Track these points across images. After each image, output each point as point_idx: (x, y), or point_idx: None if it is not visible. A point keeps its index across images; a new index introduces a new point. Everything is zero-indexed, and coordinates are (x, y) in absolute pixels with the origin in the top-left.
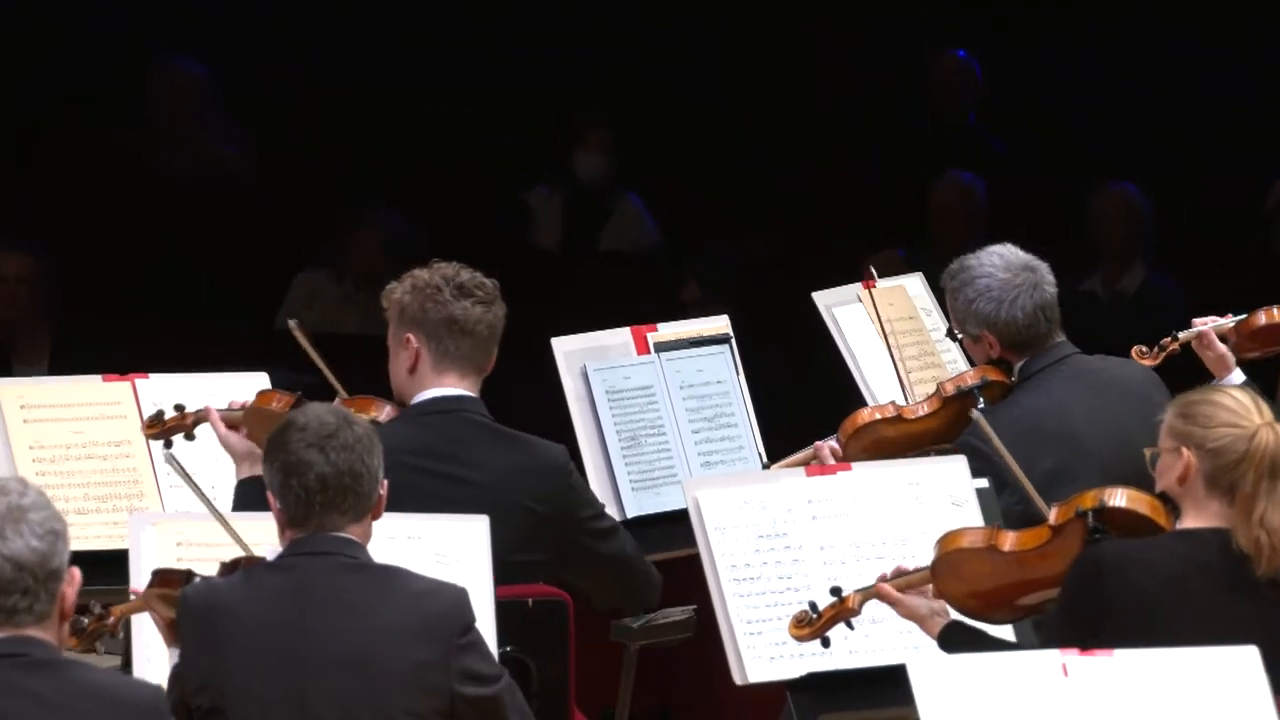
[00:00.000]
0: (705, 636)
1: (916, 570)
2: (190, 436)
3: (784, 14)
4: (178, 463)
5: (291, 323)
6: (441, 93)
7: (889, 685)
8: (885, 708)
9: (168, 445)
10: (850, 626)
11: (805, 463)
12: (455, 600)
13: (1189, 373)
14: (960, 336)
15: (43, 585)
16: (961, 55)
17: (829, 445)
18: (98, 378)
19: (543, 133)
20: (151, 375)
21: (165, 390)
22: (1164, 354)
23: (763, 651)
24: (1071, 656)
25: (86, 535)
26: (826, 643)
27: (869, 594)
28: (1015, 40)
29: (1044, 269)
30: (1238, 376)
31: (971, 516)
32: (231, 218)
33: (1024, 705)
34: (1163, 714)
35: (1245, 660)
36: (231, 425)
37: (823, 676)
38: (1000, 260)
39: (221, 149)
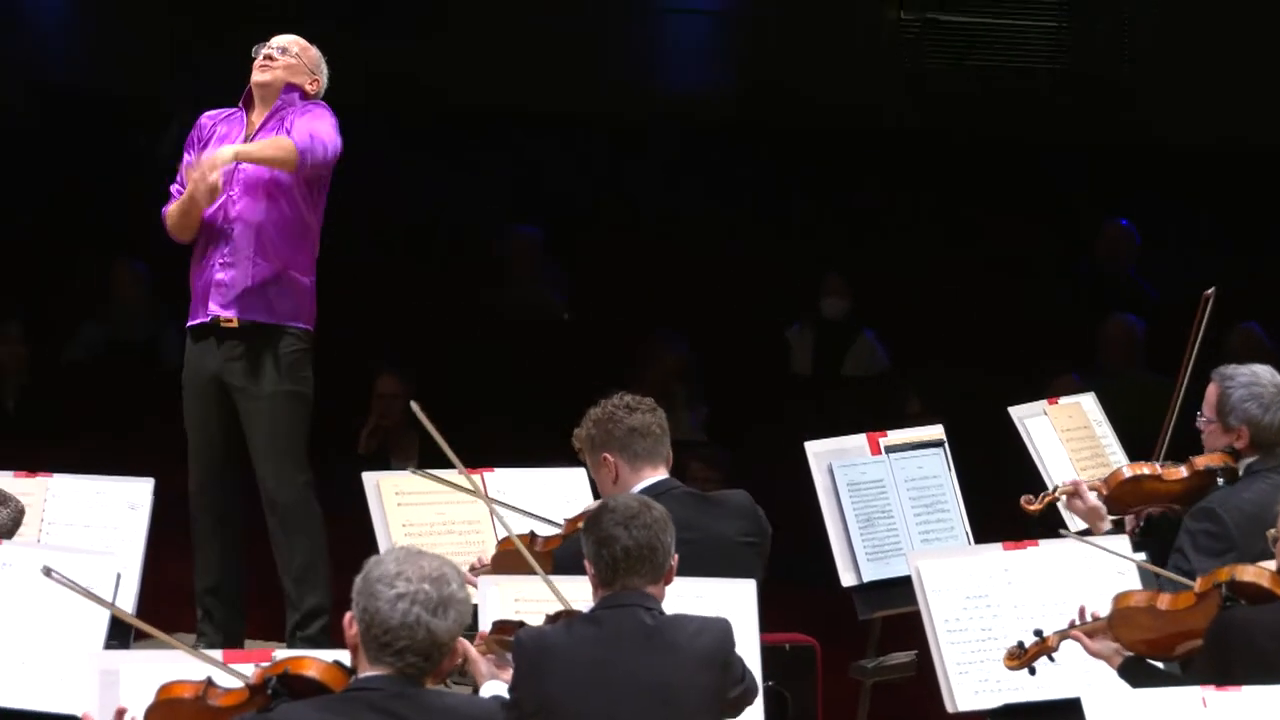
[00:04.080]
0: (924, 675)
1: (1097, 620)
2: None
3: (977, 197)
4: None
5: (413, 404)
6: (721, 253)
7: (1068, 713)
8: None
9: None
10: (1051, 660)
11: (1068, 492)
12: (723, 630)
13: None
14: (1213, 422)
15: (437, 656)
16: (1124, 223)
17: (1087, 484)
18: (454, 471)
19: (798, 283)
20: (495, 469)
21: (506, 481)
22: None
23: (969, 687)
24: (1209, 691)
25: None
26: (1033, 671)
27: (1065, 634)
28: (1166, 211)
29: None
30: None
31: (1131, 583)
32: (554, 346)
33: None
34: None
35: None
36: None
37: (1016, 706)
38: (1270, 376)
39: (550, 292)
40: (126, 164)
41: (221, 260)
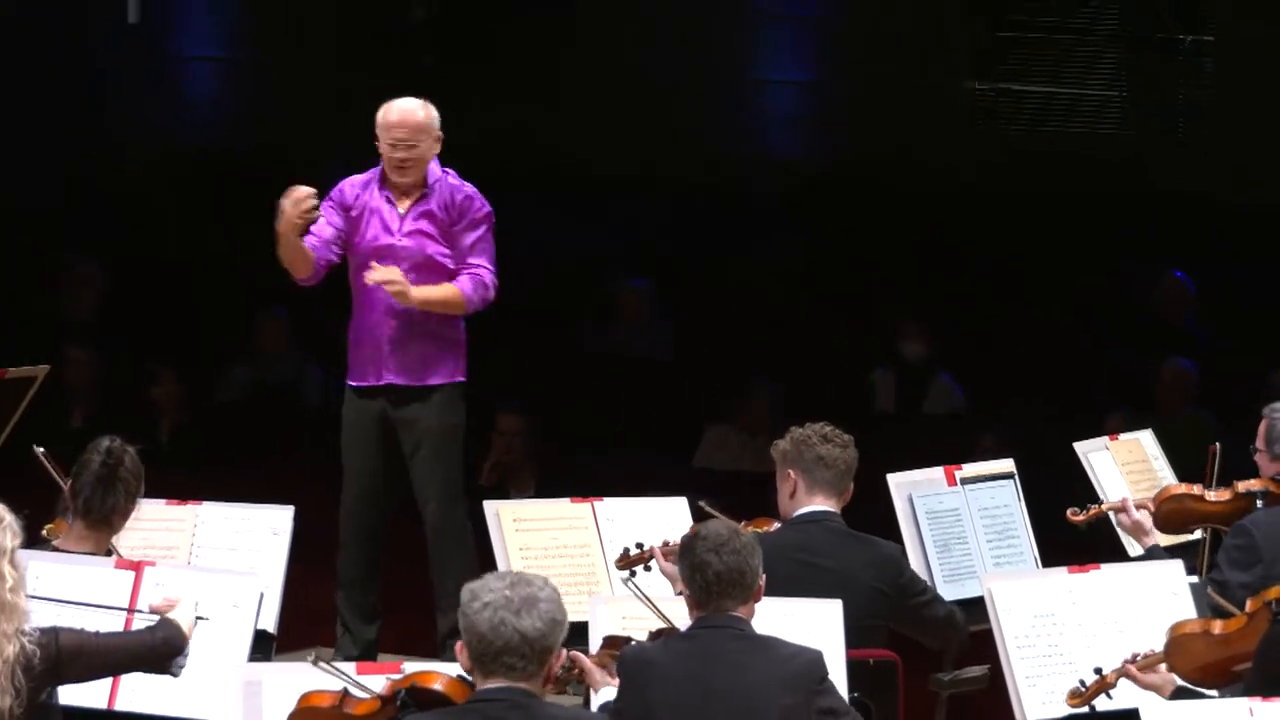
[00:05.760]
0: (996, 687)
1: (1153, 653)
2: (648, 568)
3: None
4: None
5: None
6: (813, 303)
7: None
8: None
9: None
10: (1109, 696)
11: (1115, 509)
12: (814, 660)
13: None
14: (1261, 451)
15: (536, 655)
16: (1179, 275)
17: (1135, 502)
18: (567, 500)
19: (881, 329)
20: (605, 499)
21: (615, 510)
22: None
23: (1036, 698)
24: (1256, 702)
25: None
26: (1093, 710)
27: (1121, 673)
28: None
29: None
30: None
31: (1185, 603)
32: (659, 387)
33: None
34: None
35: None
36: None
37: (1080, 717)
38: None
39: (657, 337)
40: (267, 220)
41: (390, 335)
